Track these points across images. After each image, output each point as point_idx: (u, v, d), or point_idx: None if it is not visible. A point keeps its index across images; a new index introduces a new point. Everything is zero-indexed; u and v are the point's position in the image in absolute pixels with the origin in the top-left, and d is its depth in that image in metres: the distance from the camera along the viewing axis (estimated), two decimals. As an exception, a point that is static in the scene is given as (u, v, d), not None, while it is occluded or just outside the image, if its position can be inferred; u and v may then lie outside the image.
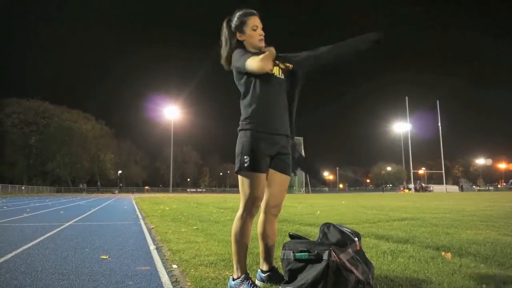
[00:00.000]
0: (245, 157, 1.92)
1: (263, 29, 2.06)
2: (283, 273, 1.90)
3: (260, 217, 2.07)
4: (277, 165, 2.01)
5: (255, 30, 2.02)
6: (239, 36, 2.04)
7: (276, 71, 2.04)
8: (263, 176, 1.94)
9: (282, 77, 2.06)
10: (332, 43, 1.99)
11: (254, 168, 1.91)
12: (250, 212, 1.95)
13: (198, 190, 78.23)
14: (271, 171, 2.00)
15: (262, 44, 2.03)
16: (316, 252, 1.70)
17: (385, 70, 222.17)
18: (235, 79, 2.05)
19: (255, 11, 2.05)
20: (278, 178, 2.02)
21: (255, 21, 2.02)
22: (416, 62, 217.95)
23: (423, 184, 64.41)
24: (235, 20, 2.04)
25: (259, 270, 2.12)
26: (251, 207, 1.94)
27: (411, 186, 57.29)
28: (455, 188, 60.78)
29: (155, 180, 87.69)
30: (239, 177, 1.95)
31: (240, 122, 2.02)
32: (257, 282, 2.07)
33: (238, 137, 2.00)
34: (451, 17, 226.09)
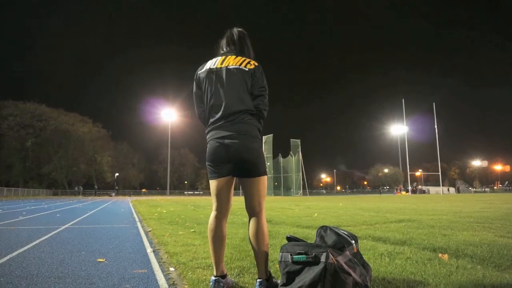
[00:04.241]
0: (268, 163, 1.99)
1: None
2: (280, 275, 1.90)
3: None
4: None
5: None
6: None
7: (232, 60, 2.00)
8: None
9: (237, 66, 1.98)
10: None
11: None
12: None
13: (195, 192, 78.01)
14: None
15: None
16: (313, 254, 1.70)
17: (381, 72, 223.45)
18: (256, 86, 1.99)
19: None
20: None
21: None
22: (412, 64, 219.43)
23: (419, 186, 64.78)
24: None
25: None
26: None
27: (409, 188, 57.57)
28: (451, 189, 61.06)
29: (152, 183, 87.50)
30: (263, 179, 1.97)
31: (259, 126, 2.03)
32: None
33: (258, 140, 1.99)
34: (450, 18, 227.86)
